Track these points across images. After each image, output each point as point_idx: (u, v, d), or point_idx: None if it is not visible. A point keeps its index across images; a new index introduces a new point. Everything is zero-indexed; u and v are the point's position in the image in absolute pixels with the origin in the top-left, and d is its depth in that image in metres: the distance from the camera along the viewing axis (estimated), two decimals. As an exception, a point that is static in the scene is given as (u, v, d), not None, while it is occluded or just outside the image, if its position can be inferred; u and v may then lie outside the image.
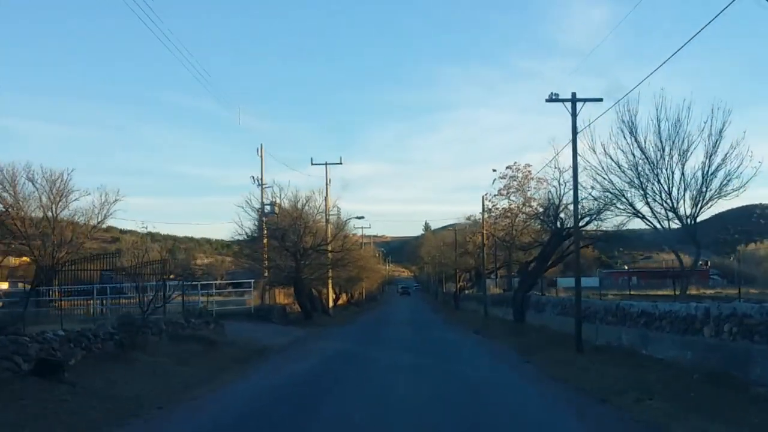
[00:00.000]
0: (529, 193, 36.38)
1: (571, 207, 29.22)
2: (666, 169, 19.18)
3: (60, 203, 38.26)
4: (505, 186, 37.51)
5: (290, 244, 36.27)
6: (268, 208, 37.03)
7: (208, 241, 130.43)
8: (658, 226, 19.97)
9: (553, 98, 17.40)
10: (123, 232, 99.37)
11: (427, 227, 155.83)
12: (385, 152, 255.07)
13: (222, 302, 36.97)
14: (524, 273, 30.11)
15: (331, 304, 44.63)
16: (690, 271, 24.42)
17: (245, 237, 34.51)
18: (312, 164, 44.74)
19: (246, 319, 31.85)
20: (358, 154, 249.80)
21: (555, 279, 79.11)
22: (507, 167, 37.61)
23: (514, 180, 37.29)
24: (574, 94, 17.50)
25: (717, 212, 23.22)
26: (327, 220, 41.98)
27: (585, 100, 17.46)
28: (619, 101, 17.65)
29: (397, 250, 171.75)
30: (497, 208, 37.94)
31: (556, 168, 28.60)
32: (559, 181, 28.69)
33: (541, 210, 31.02)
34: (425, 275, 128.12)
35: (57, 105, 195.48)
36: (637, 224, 26.10)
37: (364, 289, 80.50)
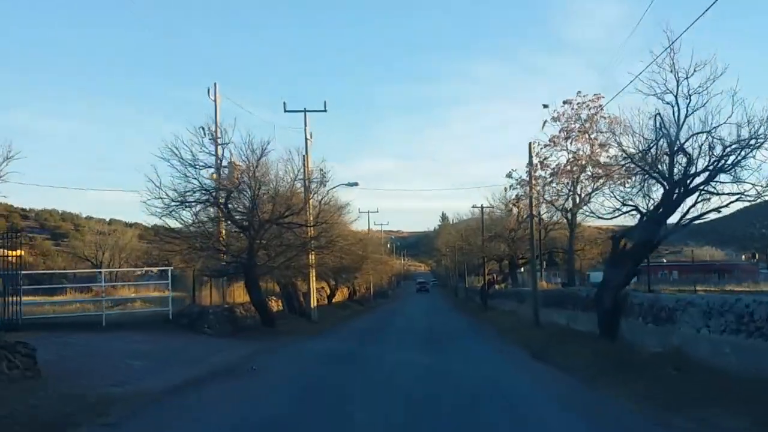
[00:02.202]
0: (600, 138, 24.05)
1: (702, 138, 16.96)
2: None
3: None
4: (562, 130, 25.19)
5: (239, 215, 24.17)
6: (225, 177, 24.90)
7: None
8: None
9: None
10: (128, 225, 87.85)
11: (444, 218, 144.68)
12: (397, 148, 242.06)
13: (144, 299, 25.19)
14: (615, 257, 17.57)
15: (314, 302, 32.35)
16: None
17: (168, 204, 22.29)
18: (285, 111, 32.51)
19: (156, 329, 19.91)
20: (370, 150, 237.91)
21: (587, 273, 66.53)
22: (565, 102, 25.24)
23: (576, 121, 24.95)
24: None
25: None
26: (306, 187, 29.65)
27: None
28: None
29: (413, 245, 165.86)
30: (548, 165, 25.45)
31: (671, 71, 16.31)
32: (675, 95, 16.48)
33: (634, 153, 18.48)
34: (443, 269, 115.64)
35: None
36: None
37: (371, 284, 68.29)
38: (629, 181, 20.36)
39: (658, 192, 18.29)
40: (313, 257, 30.60)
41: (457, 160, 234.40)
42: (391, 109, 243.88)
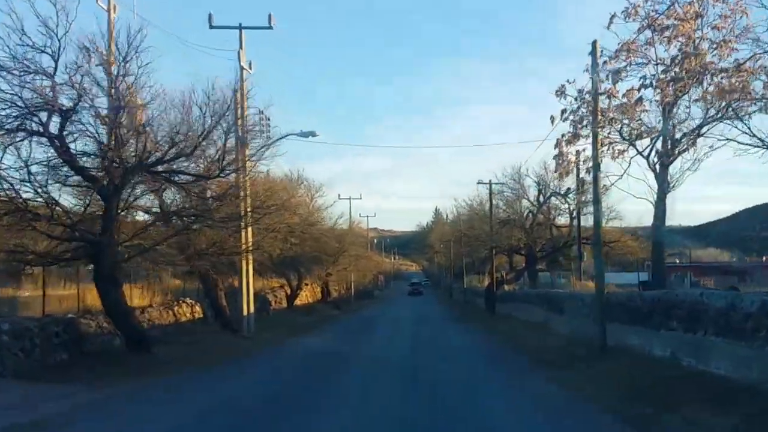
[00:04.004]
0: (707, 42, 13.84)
1: None
2: None
3: None
4: (644, 27, 14.89)
5: (89, 157, 13.90)
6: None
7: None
8: None
9: None
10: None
11: (437, 213, 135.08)
12: (392, 149, 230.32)
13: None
14: None
15: (249, 307, 21.88)
16: None
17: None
18: (211, 27, 22.19)
19: None
20: (366, 147, 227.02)
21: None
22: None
23: (670, 8, 14.67)
24: None
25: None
26: (238, 136, 19.47)
27: None
28: None
29: (405, 244, 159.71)
30: (615, 95, 14.94)
31: None
32: None
33: None
34: (435, 267, 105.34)
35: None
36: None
37: (352, 283, 57.98)
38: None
39: None
40: (250, 236, 20.41)
41: (451, 162, 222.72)
42: (386, 109, 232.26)
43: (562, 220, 33.87)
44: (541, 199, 32.09)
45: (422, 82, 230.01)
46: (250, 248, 19.97)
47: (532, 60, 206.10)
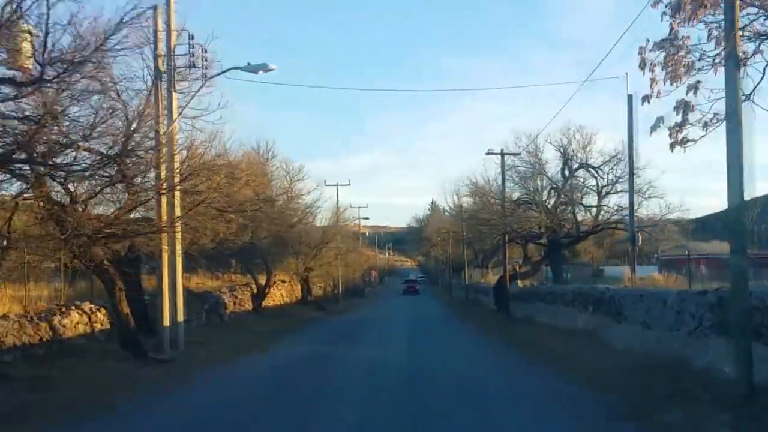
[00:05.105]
0: None
1: None
2: None
3: None
4: None
5: None
6: None
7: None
8: None
9: None
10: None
11: (434, 207, 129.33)
12: (389, 142, 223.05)
13: None
14: None
15: (176, 314, 15.47)
16: None
17: None
18: None
19: None
20: (361, 144, 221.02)
21: (601, 267, 50.45)
22: None
23: None
24: None
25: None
26: (157, 70, 13.19)
27: None
28: None
29: (400, 240, 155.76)
30: None
31: None
32: None
33: None
34: (432, 262, 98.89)
35: None
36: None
37: (339, 280, 51.53)
38: None
39: None
40: (177, 209, 14.10)
41: (446, 156, 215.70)
42: (380, 103, 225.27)
43: (589, 200, 27.64)
44: (567, 172, 25.80)
45: (417, 78, 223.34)
46: (167, 227, 13.55)
47: (527, 54, 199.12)
